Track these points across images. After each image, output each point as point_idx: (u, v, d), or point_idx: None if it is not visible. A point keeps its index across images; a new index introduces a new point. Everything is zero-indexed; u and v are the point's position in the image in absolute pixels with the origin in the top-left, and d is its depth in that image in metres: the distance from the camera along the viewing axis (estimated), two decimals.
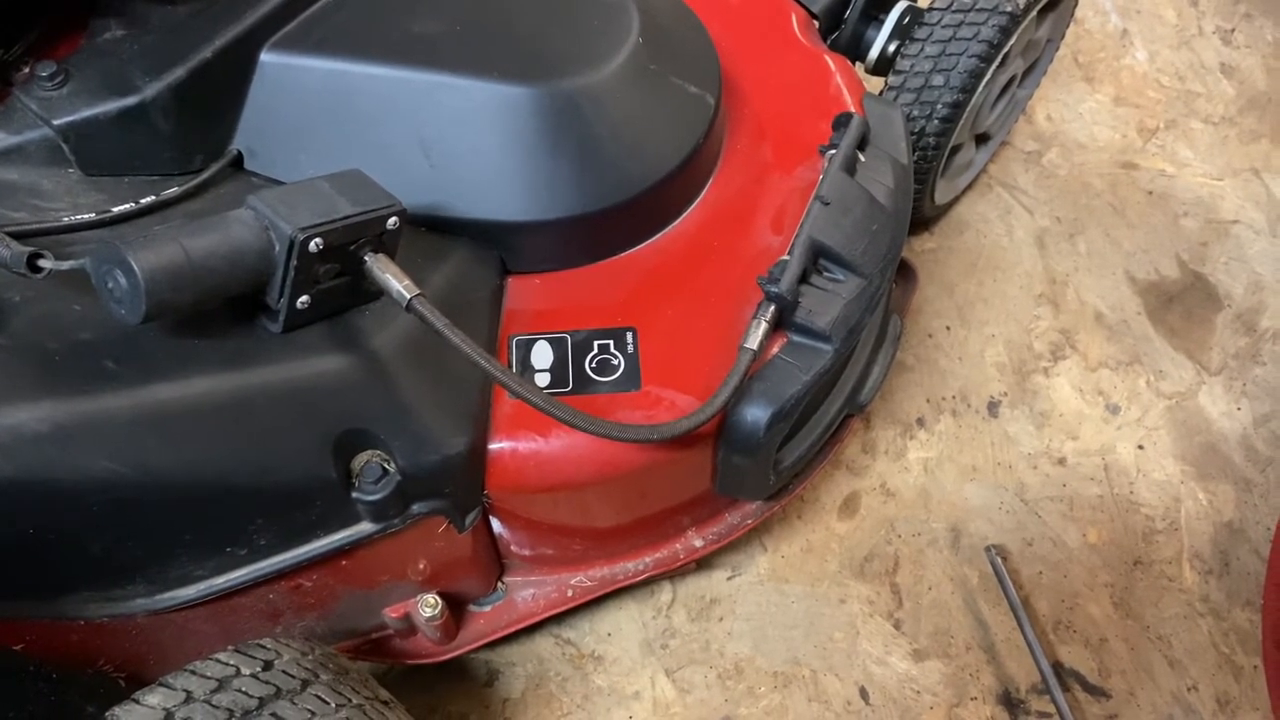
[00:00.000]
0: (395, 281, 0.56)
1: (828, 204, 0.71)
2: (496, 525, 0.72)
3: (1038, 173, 1.19)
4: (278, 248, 0.54)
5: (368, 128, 0.67)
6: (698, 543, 0.79)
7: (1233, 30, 1.35)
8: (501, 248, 0.70)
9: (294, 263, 0.54)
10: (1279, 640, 0.76)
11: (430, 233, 0.68)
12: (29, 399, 0.48)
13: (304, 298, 0.56)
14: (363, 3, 0.69)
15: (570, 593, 0.77)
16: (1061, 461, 0.98)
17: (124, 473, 0.50)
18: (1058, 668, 0.87)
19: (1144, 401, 1.02)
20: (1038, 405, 1.02)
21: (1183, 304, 1.09)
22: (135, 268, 0.48)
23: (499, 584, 0.77)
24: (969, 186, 1.15)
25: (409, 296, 0.56)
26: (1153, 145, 1.22)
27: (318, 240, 0.54)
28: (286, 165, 0.67)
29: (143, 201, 0.61)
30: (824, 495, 0.95)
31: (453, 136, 0.67)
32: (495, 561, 0.75)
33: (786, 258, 0.69)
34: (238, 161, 0.68)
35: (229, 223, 0.53)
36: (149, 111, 0.61)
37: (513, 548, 0.74)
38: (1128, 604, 0.90)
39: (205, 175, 0.65)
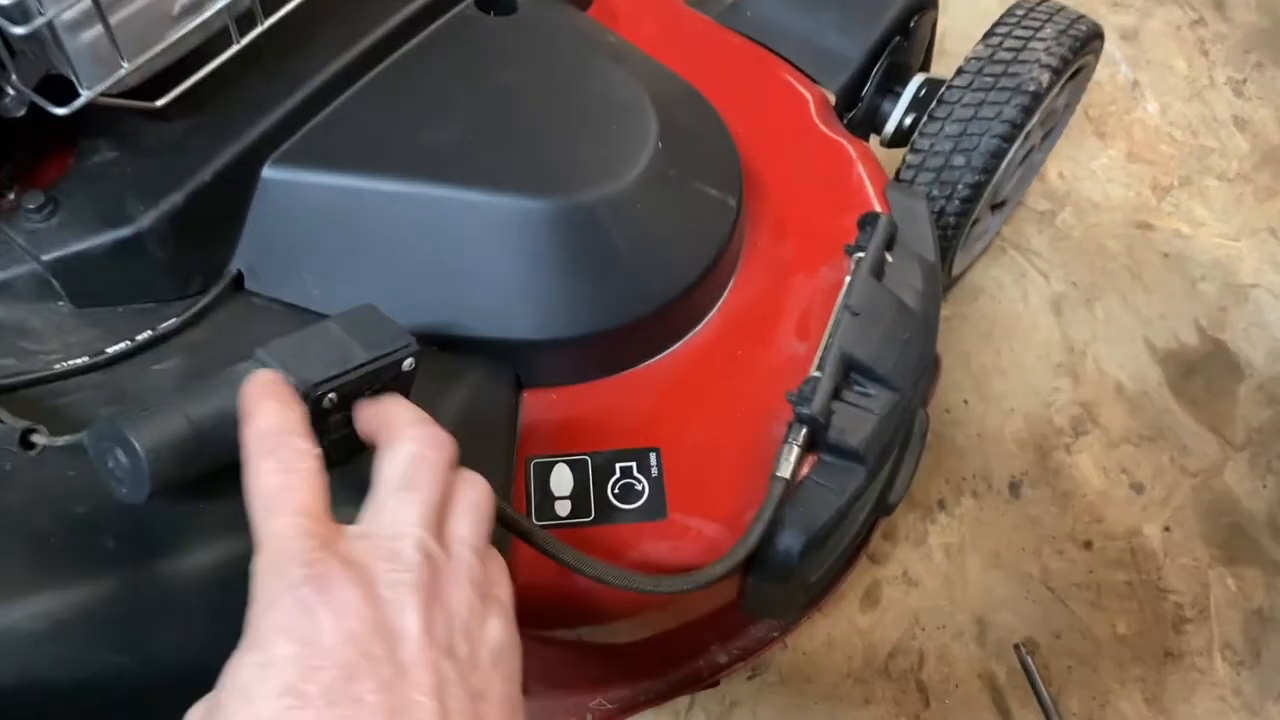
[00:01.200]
0: None
1: (857, 314, 0.68)
2: None
3: (1051, 234, 1.17)
4: None
5: (376, 244, 0.64)
6: (722, 659, 0.76)
7: (1244, 81, 1.33)
8: (517, 364, 0.67)
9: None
10: None
11: (442, 352, 0.64)
12: (24, 594, 0.44)
13: None
14: (370, 113, 0.65)
15: (589, 717, 0.73)
16: (1088, 545, 0.95)
17: (127, 665, 0.47)
18: None
19: (1168, 480, 0.99)
20: (1060, 485, 0.99)
21: (1204, 374, 1.07)
22: (137, 447, 0.45)
23: None
24: (983, 251, 1.13)
25: None
26: (1167, 204, 1.20)
27: (331, 395, 0.50)
28: (290, 284, 0.64)
29: (139, 338, 0.57)
30: (845, 586, 0.92)
31: (466, 253, 0.64)
32: None
33: (817, 374, 0.65)
34: (238, 281, 0.64)
35: (236, 381, 0.49)
36: (145, 241, 0.58)
37: (528, 677, 0.70)
38: (1160, 700, 0.88)
39: (204, 301, 0.61)
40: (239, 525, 0.51)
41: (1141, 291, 1.12)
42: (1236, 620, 0.92)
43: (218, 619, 0.50)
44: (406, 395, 0.56)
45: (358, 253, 0.63)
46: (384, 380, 0.54)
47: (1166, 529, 0.96)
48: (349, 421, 0.54)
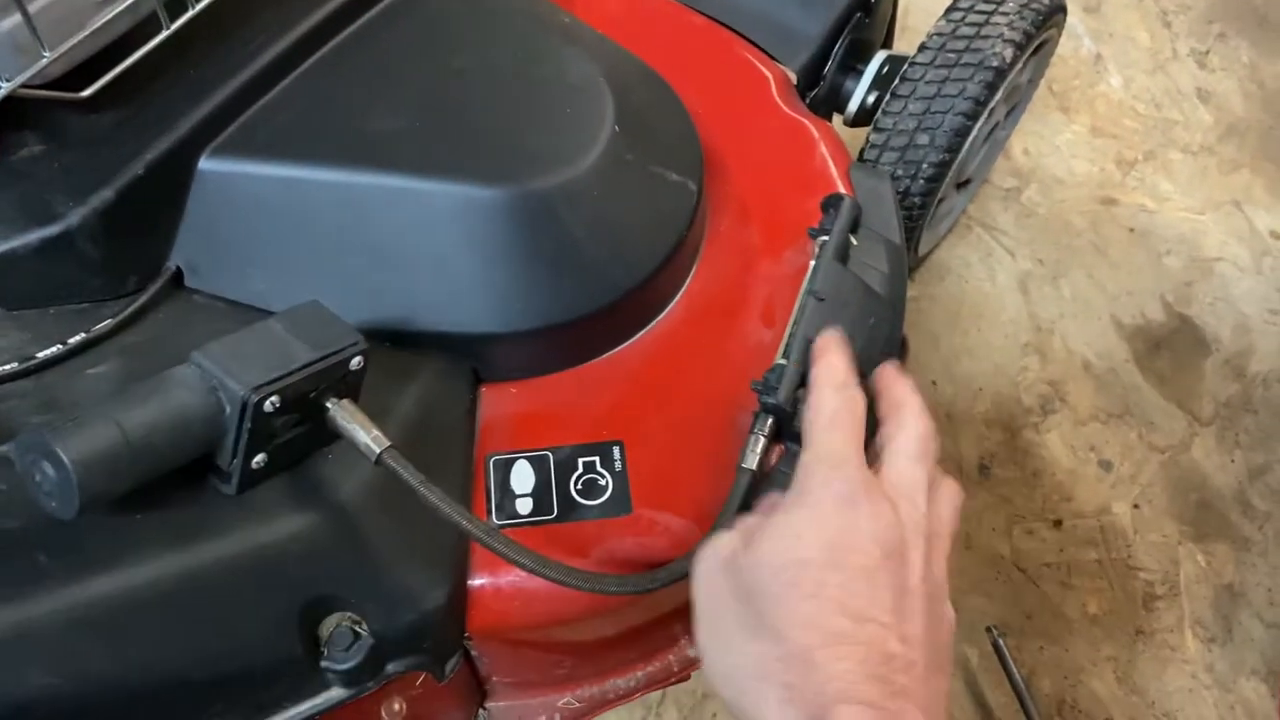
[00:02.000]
0: (363, 433, 0.51)
1: (822, 299, 0.66)
2: (476, 653, 0.66)
3: (1017, 211, 1.16)
4: (228, 410, 0.48)
5: (321, 237, 0.61)
6: (692, 652, 0.74)
7: (1207, 52, 1.32)
8: (474, 359, 0.64)
9: (247, 425, 0.48)
10: None
11: (396, 348, 0.62)
12: None
13: (260, 456, 0.50)
14: (312, 99, 0.62)
15: (557, 717, 0.72)
16: (1058, 524, 0.95)
17: (60, 685, 0.44)
18: None
19: (1137, 457, 0.99)
20: (1029, 464, 0.98)
21: (1170, 349, 1.06)
22: (65, 460, 0.42)
23: (481, 711, 0.72)
24: (948, 230, 1.12)
25: (378, 450, 0.50)
26: (1132, 178, 1.19)
27: (274, 399, 0.48)
28: (233, 280, 0.61)
29: (71, 341, 0.54)
30: None
31: (417, 244, 0.61)
32: (476, 690, 0.70)
33: (782, 362, 0.63)
34: (178, 278, 0.61)
35: (169, 386, 0.47)
36: (75, 239, 0.55)
37: (494, 677, 0.68)
38: (1132, 678, 0.87)
39: (141, 301, 0.58)
40: (178, 538, 0.49)
41: (1107, 267, 1.12)
42: (1207, 596, 0.91)
43: (156, 636, 0.48)
44: (356, 395, 0.54)
45: (302, 246, 0.61)
46: (331, 380, 0.52)
47: (1136, 506, 0.96)
48: (299, 422, 0.52)
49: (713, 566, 0.48)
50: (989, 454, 0.98)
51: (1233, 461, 0.98)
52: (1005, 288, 1.09)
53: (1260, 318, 1.08)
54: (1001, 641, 0.86)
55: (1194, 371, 1.04)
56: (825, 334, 0.57)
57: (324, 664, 0.53)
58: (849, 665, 0.40)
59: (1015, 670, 0.84)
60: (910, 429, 0.50)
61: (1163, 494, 0.96)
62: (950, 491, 0.50)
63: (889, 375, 0.54)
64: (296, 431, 0.52)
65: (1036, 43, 0.91)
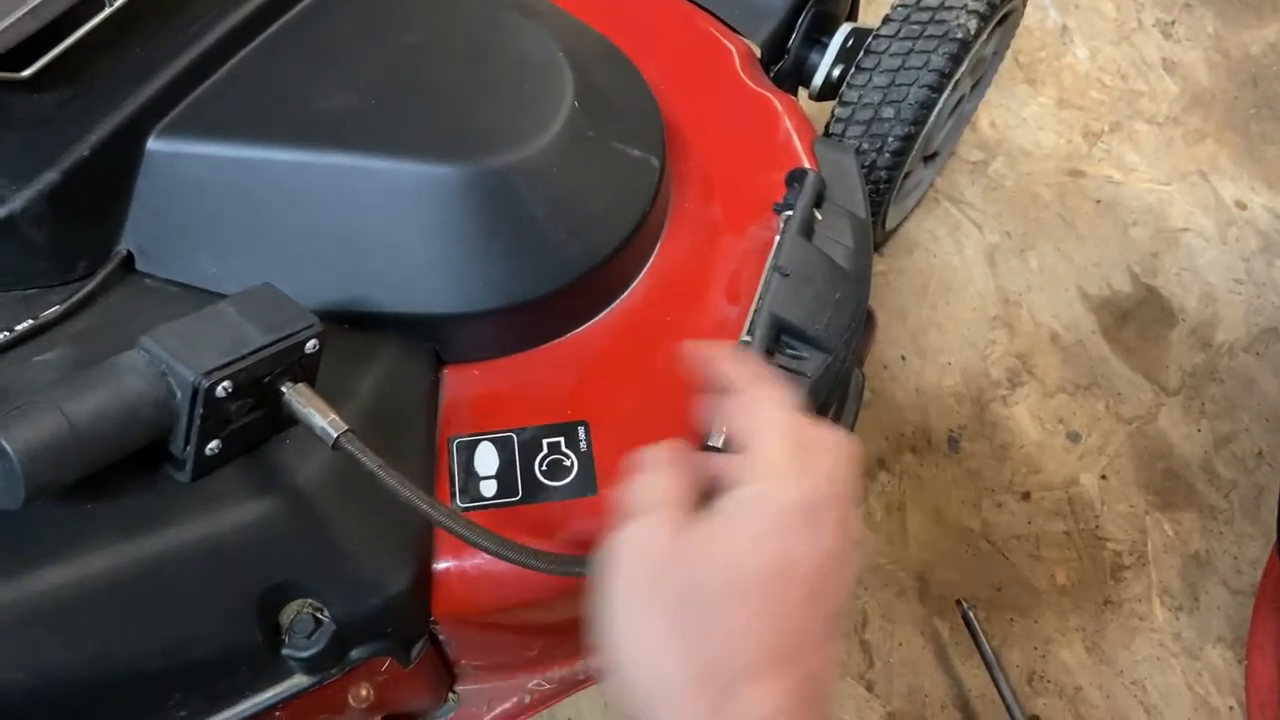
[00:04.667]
0: (319, 417, 0.50)
1: (787, 275, 0.66)
2: (444, 636, 0.66)
3: (984, 184, 1.16)
4: (179, 395, 0.47)
5: (275, 219, 0.60)
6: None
7: (1173, 22, 1.32)
8: (434, 340, 0.63)
9: (199, 410, 0.47)
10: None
11: (354, 330, 0.61)
12: None
13: (214, 443, 0.49)
14: (263, 77, 0.61)
15: (528, 699, 0.71)
16: (1026, 497, 0.95)
17: (15, 679, 0.43)
18: None
19: (1104, 428, 0.99)
20: (998, 437, 0.98)
21: (1137, 320, 1.06)
22: (9, 450, 0.41)
23: (450, 694, 0.71)
24: (916, 204, 1.11)
25: (335, 434, 0.49)
26: (1098, 150, 1.19)
27: (226, 384, 0.47)
28: (185, 264, 0.60)
29: (18, 329, 0.53)
30: None
31: (373, 225, 0.60)
32: (445, 674, 0.69)
33: (747, 339, 0.63)
34: (128, 262, 0.60)
35: (118, 372, 0.46)
36: (18, 223, 0.53)
37: (463, 660, 0.68)
38: (1100, 648, 0.88)
39: (90, 286, 0.57)
40: (131, 527, 0.48)
41: (1074, 239, 1.12)
42: (1174, 566, 0.92)
43: (111, 628, 0.47)
44: (312, 379, 0.53)
45: (256, 228, 0.59)
46: (286, 364, 0.51)
47: (1103, 477, 0.96)
48: (254, 407, 0.51)
49: (640, 561, 0.43)
50: (958, 427, 0.98)
51: (1199, 431, 0.99)
52: (973, 261, 1.09)
53: (1226, 287, 1.09)
54: (972, 614, 0.86)
55: (1161, 342, 1.05)
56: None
57: (285, 652, 0.53)
58: (785, 689, 0.39)
59: (985, 642, 0.85)
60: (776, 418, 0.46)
61: (1130, 464, 0.97)
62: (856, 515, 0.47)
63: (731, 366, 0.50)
64: (252, 416, 0.51)
65: (1001, 14, 0.91)
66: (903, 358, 1.02)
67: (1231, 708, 0.85)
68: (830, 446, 0.45)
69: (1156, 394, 1.01)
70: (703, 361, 0.51)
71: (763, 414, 0.46)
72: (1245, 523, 0.94)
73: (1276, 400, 1.01)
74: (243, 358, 0.48)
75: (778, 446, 0.44)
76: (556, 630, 0.71)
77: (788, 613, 0.40)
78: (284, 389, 0.50)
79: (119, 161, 0.57)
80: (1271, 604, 0.79)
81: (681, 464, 0.47)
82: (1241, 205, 1.15)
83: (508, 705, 0.71)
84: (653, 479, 0.47)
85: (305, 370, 0.52)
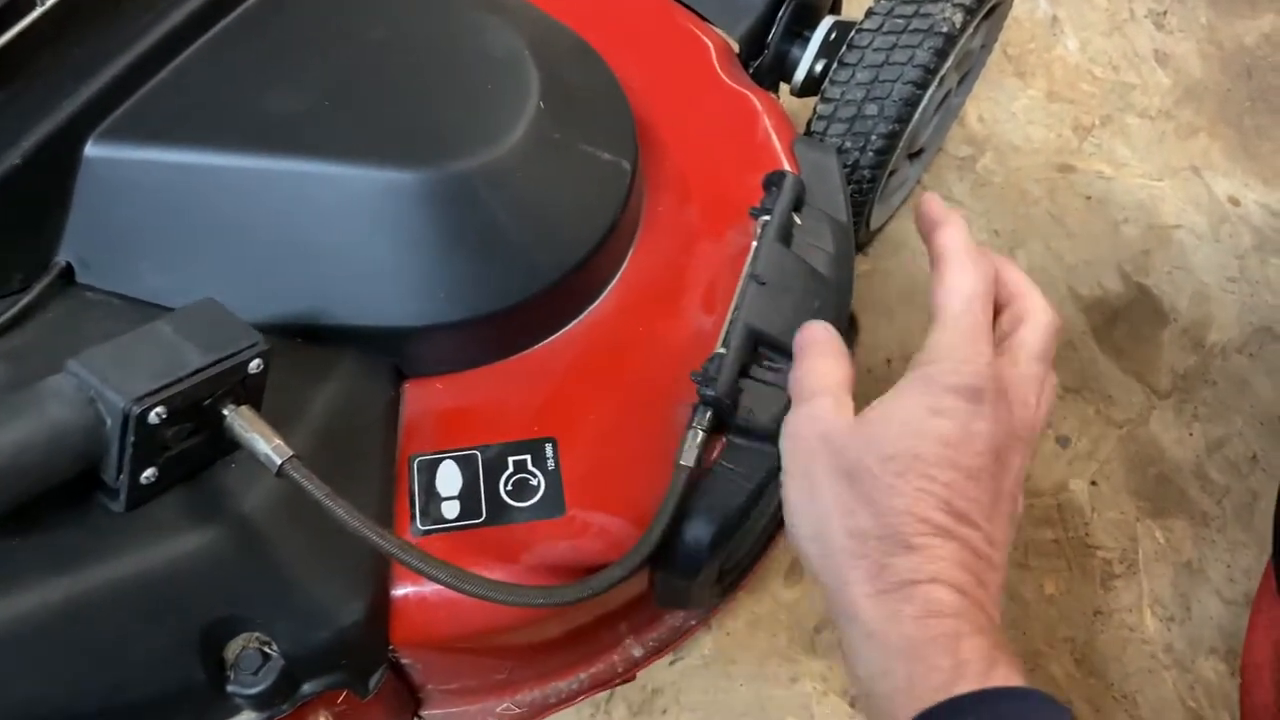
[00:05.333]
0: (263, 442, 0.47)
1: (763, 284, 0.63)
2: (407, 661, 0.63)
3: (972, 180, 1.13)
4: (109, 423, 0.44)
5: (222, 228, 0.57)
6: (637, 652, 0.71)
7: (1165, 13, 1.29)
8: (394, 354, 0.61)
9: (131, 438, 0.44)
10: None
11: (308, 345, 0.58)
12: None
13: (150, 470, 0.46)
14: (209, 78, 0.58)
15: None
16: None
17: None
18: None
19: (1094, 432, 0.97)
20: None
21: (1128, 320, 1.04)
22: None
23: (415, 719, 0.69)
24: (903, 202, 1.08)
25: (279, 461, 0.46)
26: (1089, 144, 1.17)
27: (159, 410, 0.44)
28: (126, 276, 0.57)
29: None
30: (768, 560, 0.88)
31: (328, 234, 0.57)
32: (409, 699, 0.66)
33: (722, 350, 0.60)
34: (68, 274, 0.57)
35: (42, 399, 0.43)
36: None
37: (428, 685, 0.65)
38: (1090, 660, 0.85)
39: (26, 300, 0.54)
40: (61, 561, 0.45)
41: (1064, 237, 1.09)
42: (1166, 574, 0.90)
43: (42, 670, 0.44)
44: (258, 401, 0.50)
45: (202, 238, 0.57)
46: (228, 385, 0.48)
47: (1093, 483, 0.94)
48: (193, 432, 0.48)
49: (809, 434, 0.49)
50: None
51: (1191, 434, 0.97)
52: None
53: (1218, 286, 1.06)
54: None
55: (1152, 343, 1.02)
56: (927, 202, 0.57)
57: (231, 689, 0.50)
58: (945, 554, 0.42)
59: None
60: (1039, 323, 0.49)
61: (1121, 469, 0.94)
62: (1052, 390, 0.50)
63: (1004, 263, 0.53)
64: (192, 441, 0.48)
65: (989, 6, 0.88)
66: (889, 361, 0.99)
67: None
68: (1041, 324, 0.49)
69: (1148, 396, 0.98)
70: (928, 221, 0.55)
71: (957, 290, 0.50)
72: (1238, 530, 0.91)
73: (1270, 402, 0.99)
74: (179, 380, 0.45)
75: (966, 326, 0.48)
76: (526, 652, 0.68)
77: (959, 483, 0.43)
78: (226, 412, 0.48)
79: (55, 168, 0.54)
80: (1266, 616, 0.76)
81: (842, 347, 0.54)
82: (1235, 201, 1.13)
83: None
84: (821, 365, 0.53)
85: (249, 392, 0.49)
